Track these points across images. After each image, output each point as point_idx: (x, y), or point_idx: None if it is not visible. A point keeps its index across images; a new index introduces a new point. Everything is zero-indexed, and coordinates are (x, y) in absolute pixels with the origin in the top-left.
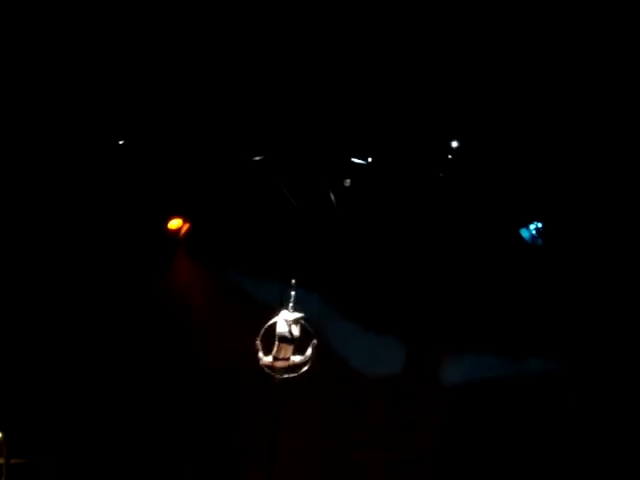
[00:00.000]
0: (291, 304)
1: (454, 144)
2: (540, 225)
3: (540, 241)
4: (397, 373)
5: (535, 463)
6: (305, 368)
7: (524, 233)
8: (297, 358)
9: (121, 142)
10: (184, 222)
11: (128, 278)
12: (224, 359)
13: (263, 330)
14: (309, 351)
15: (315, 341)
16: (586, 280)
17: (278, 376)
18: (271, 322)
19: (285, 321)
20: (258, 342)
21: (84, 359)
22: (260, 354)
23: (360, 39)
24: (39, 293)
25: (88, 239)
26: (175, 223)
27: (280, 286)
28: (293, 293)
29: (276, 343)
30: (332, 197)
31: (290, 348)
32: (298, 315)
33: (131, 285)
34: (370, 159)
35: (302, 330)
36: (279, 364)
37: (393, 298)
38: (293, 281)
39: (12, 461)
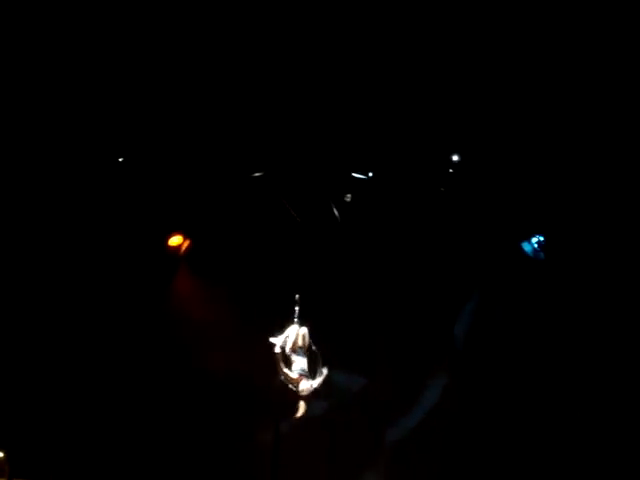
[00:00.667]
0: (296, 319)
1: (455, 158)
2: (542, 239)
3: (542, 255)
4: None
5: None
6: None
7: (526, 247)
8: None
9: (121, 159)
10: (185, 239)
11: (129, 295)
12: (226, 374)
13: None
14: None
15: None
16: (588, 292)
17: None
18: (282, 337)
19: (292, 335)
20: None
21: (87, 376)
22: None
23: (360, 54)
24: (41, 310)
25: (89, 256)
26: (176, 240)
27: (283, 301)
28: (297, 308)
29: (290, 357)
30: (335, 212)
31: (302, 361)
32: (303, 329)
33: (133, 302)
34: (371, 174)
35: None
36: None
37: (395, 310)
38: (297, 296)
39: None
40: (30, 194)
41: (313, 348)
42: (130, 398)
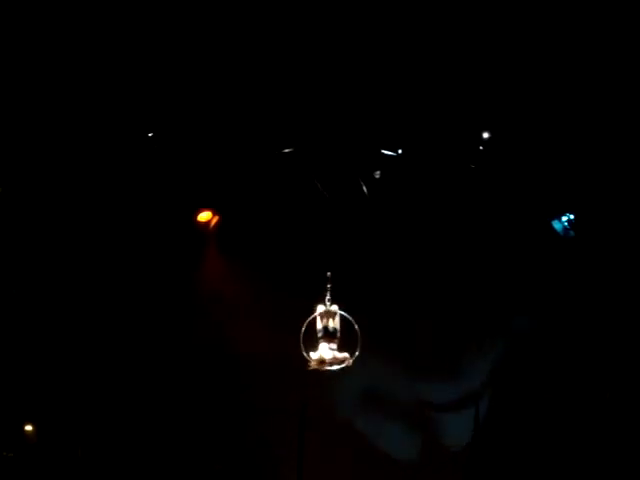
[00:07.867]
0: (328, 297)
1: (485, 135)
2: (572, 217)
3: (572, 233)
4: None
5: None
6: (346, 363)
7: (556, 225)
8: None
9: (150, 134)
10: (214, 215)
11: (159, 271)
12: (255, 353)
13: (305, 327)
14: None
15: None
16: (618, 271)
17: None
18: (311, 317)
19: (324, 315)
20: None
21: (115, 352)
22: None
23: (391, 32)
24: (68, 289)
25: (117, 232)
26: (205, 216)
27: (312, 278)
28: (329, 286)
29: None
30: (364, 188)
31: (333, 342)
32: (335, 308)
33: (162, 278)
34: (400, 151)
35: (341, 323)
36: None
37: (422, 286)
38: (329, 274)
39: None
40: (57, 170)
41: (335, 328)
42: (159, 375)
